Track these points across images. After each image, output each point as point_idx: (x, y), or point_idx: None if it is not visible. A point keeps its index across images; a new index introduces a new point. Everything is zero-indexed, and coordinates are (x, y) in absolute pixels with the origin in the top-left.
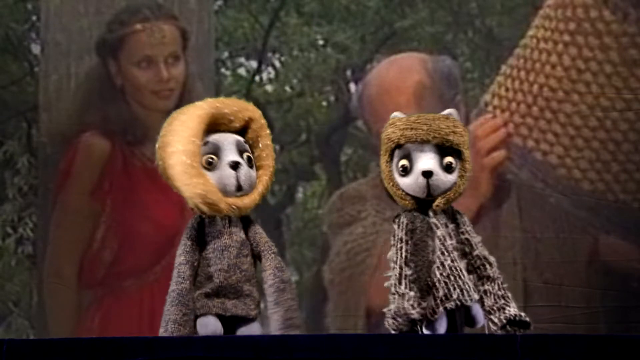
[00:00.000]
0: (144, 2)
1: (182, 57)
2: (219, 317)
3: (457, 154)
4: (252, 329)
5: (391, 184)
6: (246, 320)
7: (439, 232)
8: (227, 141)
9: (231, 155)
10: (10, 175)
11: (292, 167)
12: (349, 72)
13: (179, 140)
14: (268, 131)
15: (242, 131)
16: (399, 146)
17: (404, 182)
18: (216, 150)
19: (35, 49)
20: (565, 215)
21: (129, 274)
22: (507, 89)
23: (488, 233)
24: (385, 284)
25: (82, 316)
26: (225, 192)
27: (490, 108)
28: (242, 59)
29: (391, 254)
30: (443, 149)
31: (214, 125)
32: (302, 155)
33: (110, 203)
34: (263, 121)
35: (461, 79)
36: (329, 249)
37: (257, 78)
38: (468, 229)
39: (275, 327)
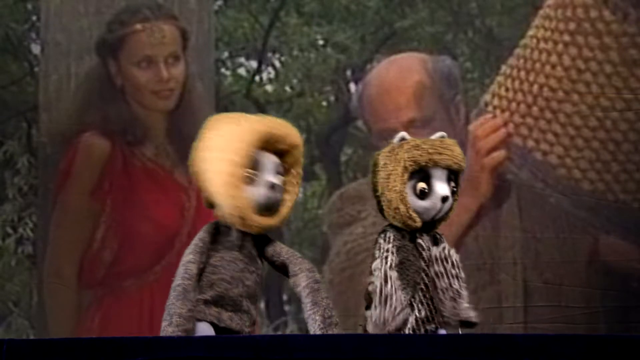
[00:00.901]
0: (144, 2)
1: (182, 57)
2: (214, 326)
3: (456, 178)
4: None
5: (406, 204)
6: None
7: (424, 254)
8: (270, 161)
9: (270, 176)
10: (10, 175)
11: None
12: (349, 72)
13: (231, 150)
14: (302, 160)
15: (281, 153)
16: (420, 169)
17: (421, 204)
18: (257, 168)
19: (35, 49)
20: (565, 215)
21: (129, 274)
22: (507, 89)
23: (488, 233)
24: (370, 287)
25: (82, 316)
26: (256, 209)
27: (490, 108)
28: (242, 59)
29: (376, 264)
30: (451, 174)
31: (264, 142)
32: (302, 155)
33: (110, 203)
34: (302, 150)
35: (461, 79)
36: (329, 249)
37: (257, 78)
38: (449, 251)
39: (316, 327)
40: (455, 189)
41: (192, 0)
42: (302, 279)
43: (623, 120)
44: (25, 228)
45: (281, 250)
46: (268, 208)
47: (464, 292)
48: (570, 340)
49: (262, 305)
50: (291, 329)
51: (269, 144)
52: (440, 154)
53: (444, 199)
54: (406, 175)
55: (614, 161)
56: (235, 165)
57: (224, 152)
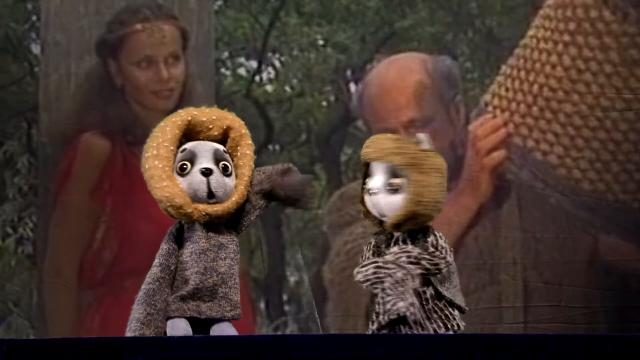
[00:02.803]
0: (144, 2)
1: (182, 57)
2: (194, 320)
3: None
4: (222, 327)
5: (361, 201)
6: (221, 321)
7: (391, 250)
8: (204, 149)
9: (205, 163)
10: (10, 175)
11: None
12: (349, 72)
13: (154, 145)
14: (249, 142)
15: (224, 140)
16: (367, 165)
17: (366, 199)
18: (191, 157)
19: (35, 49)
20: (565, 215)
21: (129, 274)
22: (507, 89)
23: (488, 233)
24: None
25: (82, 316)
26: (196, 198)
27: (490, 108)
28: (242, 59)
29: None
30: (393, 168)
31: (193, 132)
32: (302, 155)
33: (110, 203)
34: (244, 131)
35: (461, 79)
36: (329, 249)
37: (257, 78)
38: (432, 249)
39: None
40: (394, 184)
41: (192, 0)
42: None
43: (623, 120)
44: (25, 228)
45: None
46: (211, 194)
47: (391, 295)
48: (570, 340)
49: (262, 305)
50: (291, 329)
51: (202, 132)
52: (367, 147)
53: (370, 192)
54: (362, 174)
55: (614, 161)
56: (159, 159)
57: (151, 150)
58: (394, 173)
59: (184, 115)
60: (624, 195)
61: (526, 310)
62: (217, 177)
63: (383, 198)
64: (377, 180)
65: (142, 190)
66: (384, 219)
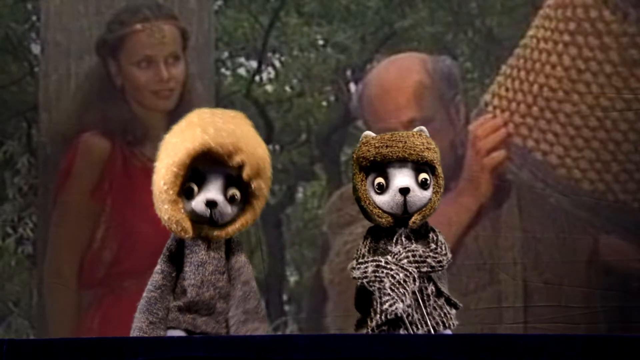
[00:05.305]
0: (144, 2)
1: (182, 57)
2: (189, 332)
3: (431, 170)
4: None
5: (367, 202)
6: None
7: (395, 249)
8: (215, 176)
9: (213, 192)
10: (10, 175)
11: (292, 167)
12: (349, 72)
13: (163, 165)
14: (268, 174)
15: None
16: (374, 164)
17: (381, 199)
18: (201, 181)
19: (35, 49)
20: (565, 215)
21: (129, 274)
22: (507, 89)
23: (488, 233)
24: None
25: (82, 316)
26: (199, 221)
27: (490, 108)
28: (242, 59)
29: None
30: (418, 165)
31: (200, 159)
32: (302, 155)
33: (110, 203)
34: (262, 164)
35: (461, 79)
36: (329, 249)
37: (257, 78)
38: (433, 246)
39: (238, 322)
40: (426, 180)
41: (192, 0)
42: (232, 308)
43: (623, 120)
44: (25, 228)
45: (234, 264)
46: (214, 223)
47: (390, 295)
48: (570, 340)
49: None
50: (291, 329)
51: (212, 160)
52: (388, 147)
53: (403, 191)
54: (362, 173)
55: (614, 161)
56: (165, 180)
57: (161, 168)
58: (420, 168)
59: (198, 147)
60: (624, 195)
61: (526, 310)
62: (221, 209)
63: (417, 195)
64: (405, 178)
65: (142, 190)
66: (404, 215)
